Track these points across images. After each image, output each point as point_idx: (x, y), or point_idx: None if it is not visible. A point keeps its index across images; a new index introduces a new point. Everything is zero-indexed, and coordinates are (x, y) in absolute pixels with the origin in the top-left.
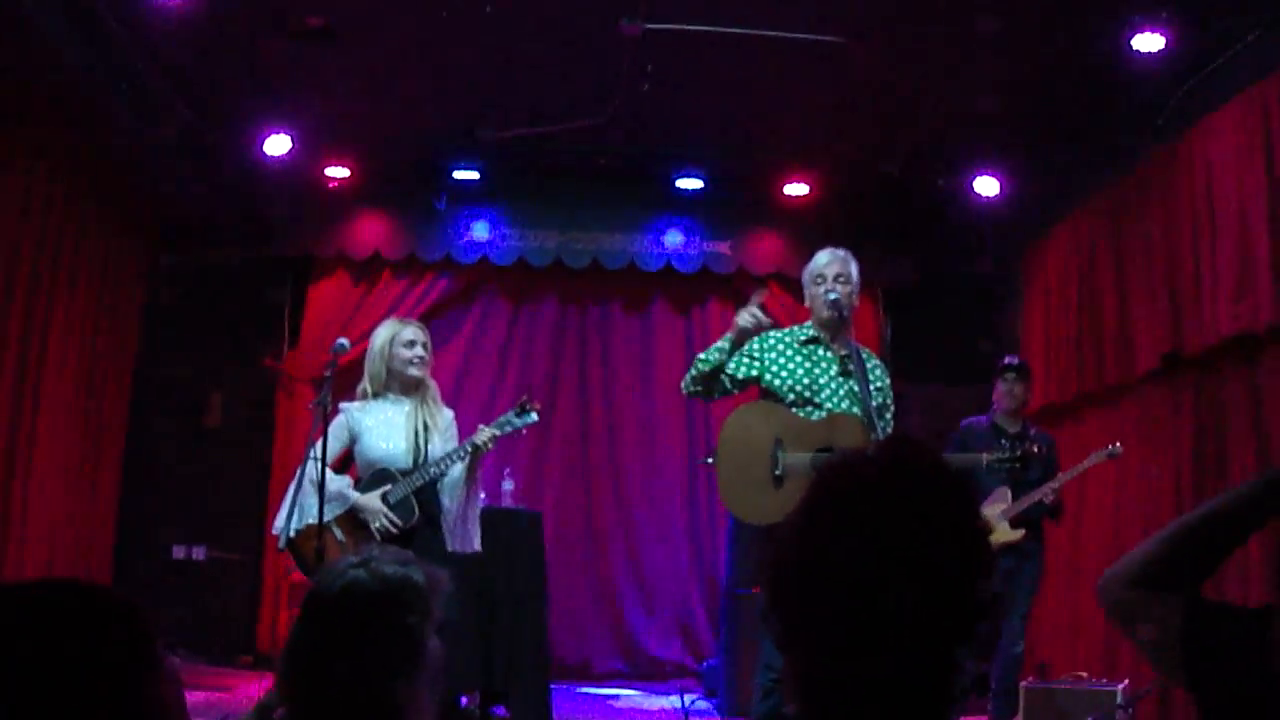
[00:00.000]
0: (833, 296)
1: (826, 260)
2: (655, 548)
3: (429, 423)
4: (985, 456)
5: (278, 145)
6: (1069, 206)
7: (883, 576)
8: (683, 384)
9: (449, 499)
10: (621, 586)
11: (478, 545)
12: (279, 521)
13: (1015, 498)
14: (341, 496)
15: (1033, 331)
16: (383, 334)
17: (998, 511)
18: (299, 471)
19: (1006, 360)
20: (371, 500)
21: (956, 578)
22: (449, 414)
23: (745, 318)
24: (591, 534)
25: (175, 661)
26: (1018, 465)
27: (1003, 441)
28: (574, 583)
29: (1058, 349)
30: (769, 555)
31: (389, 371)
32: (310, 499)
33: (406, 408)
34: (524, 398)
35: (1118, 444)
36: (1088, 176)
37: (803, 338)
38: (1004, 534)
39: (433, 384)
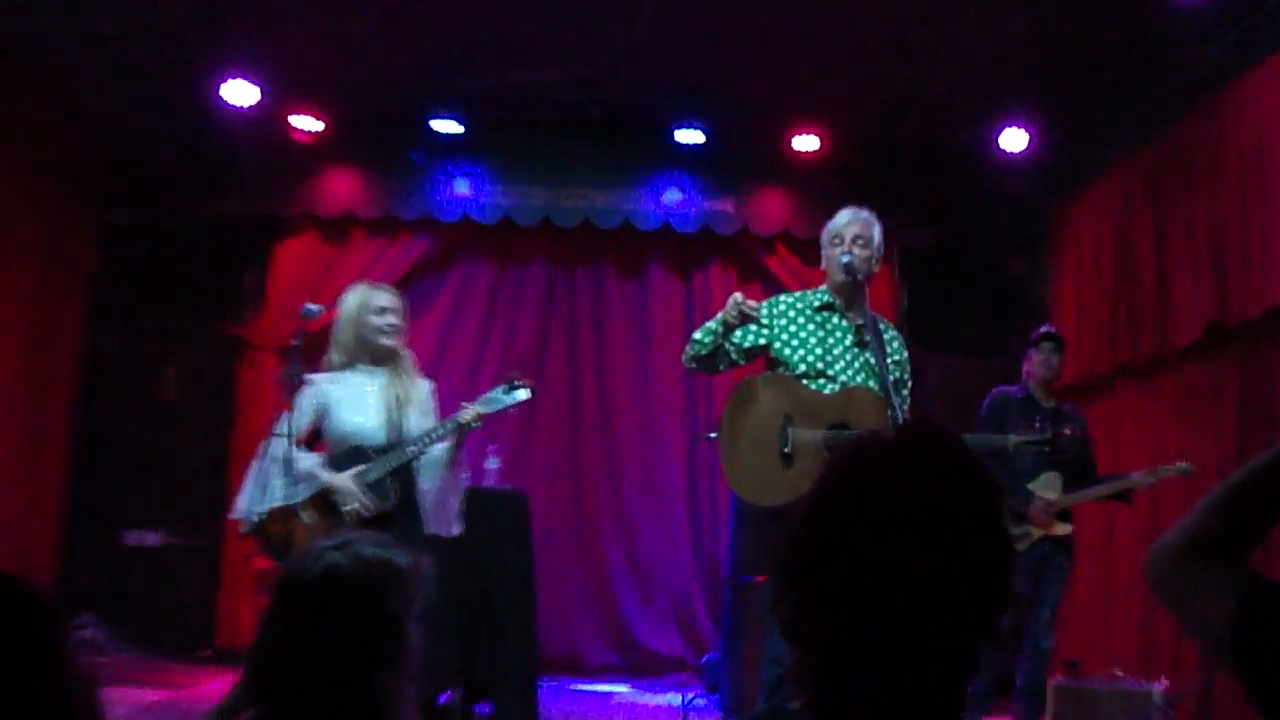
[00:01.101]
0: (845, 259)
1: (846, 220)
2: (652, 531)
3: (403, 396)
4: (1013, 438)
5: (240, 93)
6: (1104, 163)
7: (900, 566)
8: (683, 358)
9: (428, 480)
10: (615, 574)
11: (458, 529)
12: (240, 503)
13: (1066, 482)
14: (312, 477)
15: (1062, 299)
16: (352, 300)
17: (1053, 495)
18: (263, 448)
19: (1042, 329)
20: (345, 481)
21: (978, 569)
22: (427, 386)
23: (731, 311)
24: (582, 516)
25: (92, 658)
26: (1047, 449)
27: (1037, 419)
28: (564, 569)
29: (1089, 318)
30: (780, 539)
31: (359, 340)
32: (277, 479)
33: (380, 380)
34: (513, 373)
35: (1188, 464)
36: (1125, 130)
37: (816, 303)
38: (1056, 526)
39: (408, 354)
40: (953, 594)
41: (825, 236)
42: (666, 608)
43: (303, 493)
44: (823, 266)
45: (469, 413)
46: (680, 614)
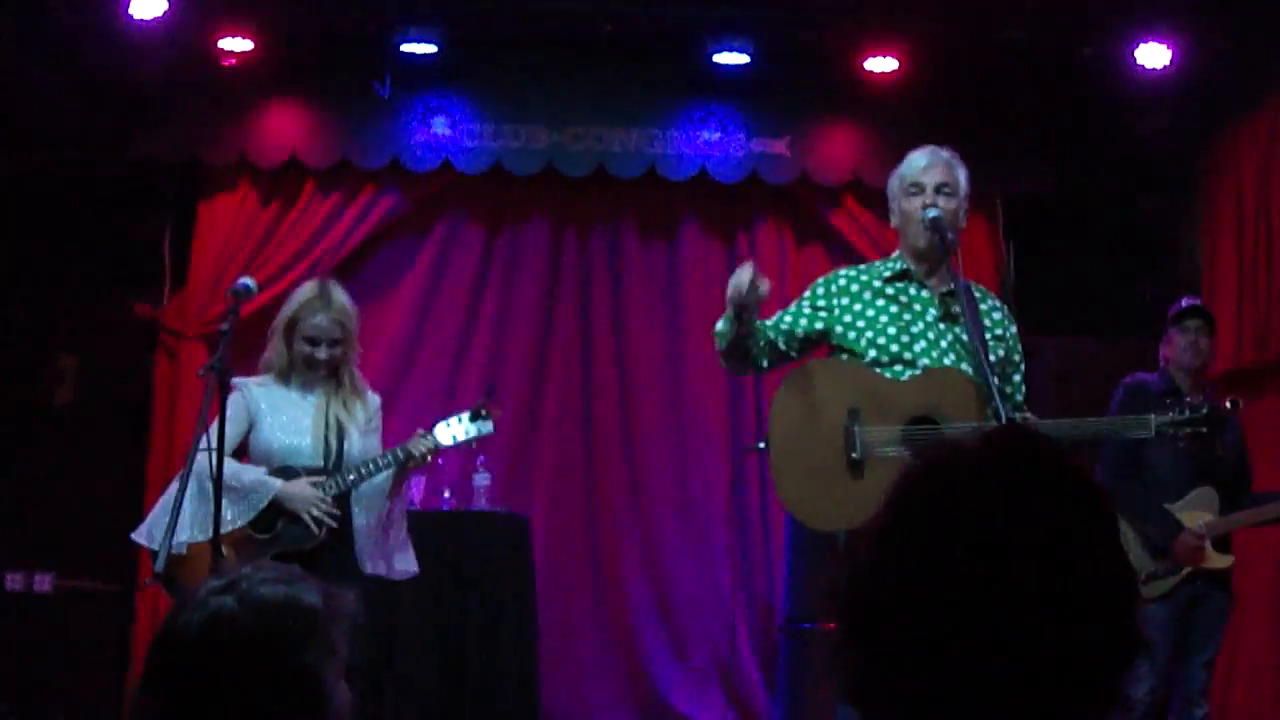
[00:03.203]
0: (933, 214)
1: (926, 163)
2: (686, 565)
3: (344, 416)
4: (1154, 418)
5: (150, 5)
6: (1273, 84)
7: (990, 613)
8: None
9: (363, 513)
10: (640, 617)
11: (411, 567)
12: (148, 535)
13: (1224, 500)
14: (262, 485)
15: (1218, 265)
16: (289, 307)
17: (1200, 523)
18: (188, 462)
19: (1186, 303)
20: (301, 487)
21: (1091, 616)
22: (374, 402)
23: (731, 292)
24: (598, 546)
25: None
26: (1204, 431)
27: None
28: (572, 610)
29: (1254, 287)
30: (844, 576)
31: (291, 359)
32: (205, 502)
33: (318, 395)
34: (481, 400)
35: None
36: None
37: (886, 274)
38: (1212, 558)
39: (352, 366)
40: (1061, 649)
41: (896, 185)
42: (705, 661)
43: (253, 508)
44: (893, 224)
45: (422, 443)
46: (723, 669)
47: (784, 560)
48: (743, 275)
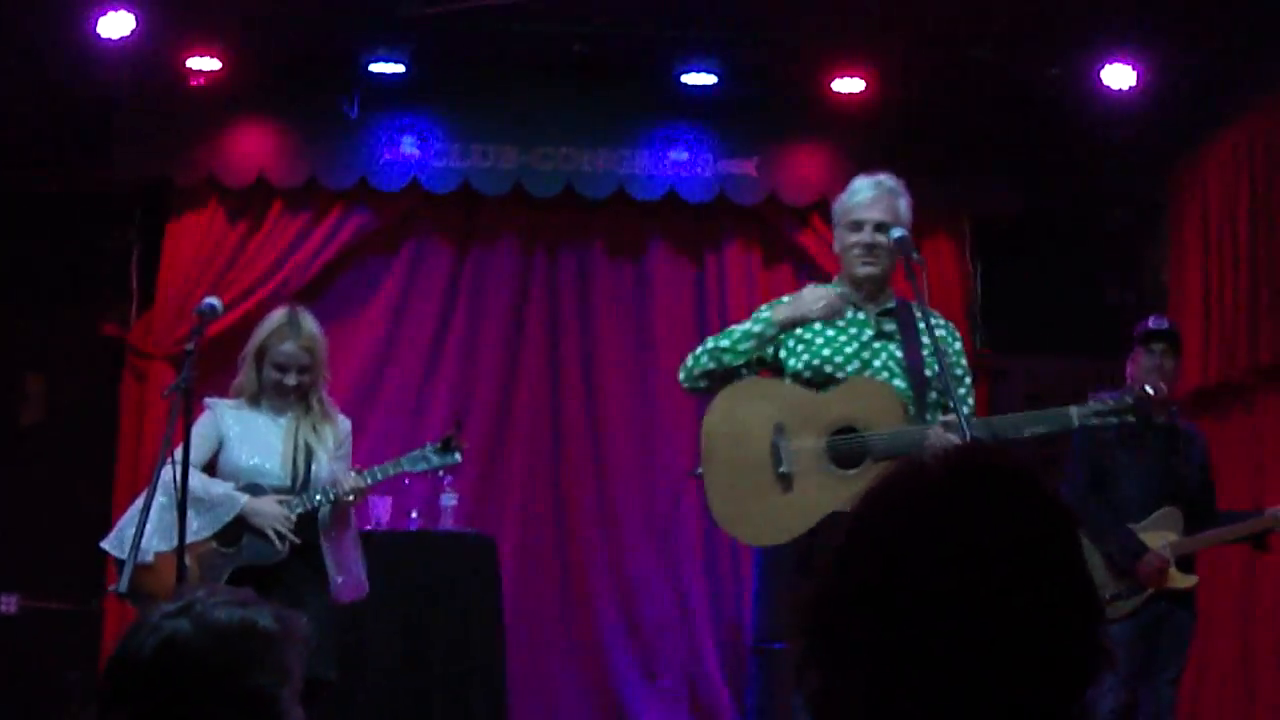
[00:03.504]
0: (899, 234)
1: (869, 198)
2: (655, 584)
3: (312, 440)
4: (1074, 409)
5: (117, 24)
6: (1238, 106)
7: (951, 628)
8: (682, 375)
9: (323, 537)
10: (610, 639)
11: (360, 590)
12: (117, 544)
13: (1189, 519)
14: (229, 501)
15: (1185, 284)
16: (260, 333)
17: (1164, 543)
18: (154, 479)
19: (1152, 324)
20: (267, 503)
21: (1052, 631)
22: (344, 427)
23: (819, 304)
24: (567, 567)
25: None
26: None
27: (1149, 437)
28: (541, 631)
29: (1220, 308)
30: (805, 593)
31: (261, 385)
32: (173, 512)
33: (286, 419)
34: (449, 432)
35: None
36: (1266, 63)
37: None
38: (1175, 578)
39: (320, 394)
40: (1024, 664)
41: (839, 212)
42: (675, 683)
43: (216, 522)
44: (835, 249)
45: (348, 482)
46: (692, 690)
47: (753, 580)
48: (837, 303)
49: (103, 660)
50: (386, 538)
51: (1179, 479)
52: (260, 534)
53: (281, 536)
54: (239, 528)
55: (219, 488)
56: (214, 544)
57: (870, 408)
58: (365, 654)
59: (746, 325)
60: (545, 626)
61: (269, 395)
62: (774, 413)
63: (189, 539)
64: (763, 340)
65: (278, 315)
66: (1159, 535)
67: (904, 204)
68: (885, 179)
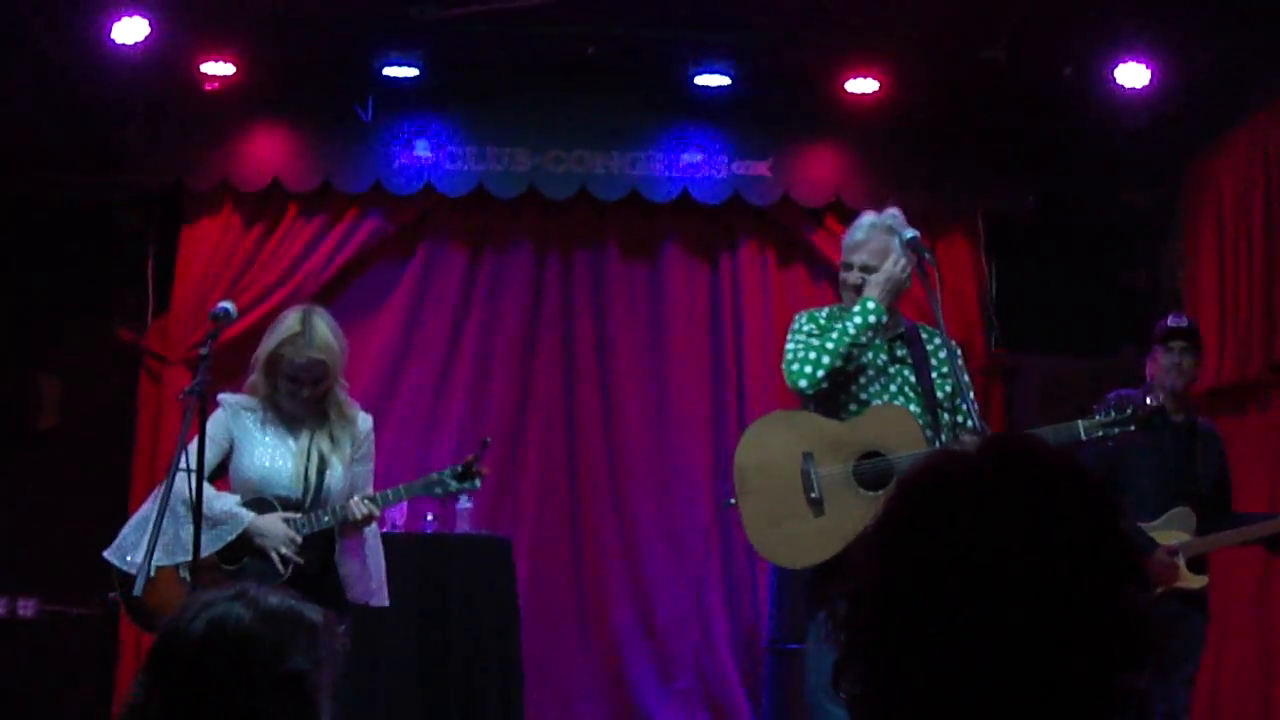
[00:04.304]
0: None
1: (860, 239)
2: (670, 585)
3: (327, 448)
4: (1081, 423)
5: (131, 30)
6: (1253, 104)
7: (995, 621)
8: (804, 376)
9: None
10: (626, 641)
11: (385, 598)
12: (120, 554)
13: (1202, 520)
14: (233, 517)
15: (1200, 283)
16: (269, 342)
17: (1176, 544)
18: (166, 487)
19: (1171, 322)
20: (273, 523)
21: (1100, 616)
22: (365, 425)
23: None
24: (582, 569)
25: None
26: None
27: (1167, 437)
28: (559, 635)
29: (1236, 305)
30: (842, 591)
31: (273, 393)
32: (185, 527)
33: (300, 428)
34: (472, 456)
35: None
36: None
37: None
38: (1185, 579)
39: (338, 393)
40: (1066, 650)
41: (844, 244)
42: (692, 685)
43: (218, 540)
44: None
45: (361, 508)
46: (708, 691)
47: (768, 581)
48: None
49: (119, 664)
50: (402, 540)
51: (1194, 479)
52: (263, 554)
53: (285, 560)
54: (241, 546)
55: (221, 503)
56: (215, 560)
57: (891, 432)
58: (381, 655)
59: (855, 315)
60: (561, 628)
61: (284, 401)
62: (801, 442)
63: (188, 557)
64: (867, 326)
65: (291, 319)
66: (1171, 535)
67: (897, 242)
68: (885, 217)
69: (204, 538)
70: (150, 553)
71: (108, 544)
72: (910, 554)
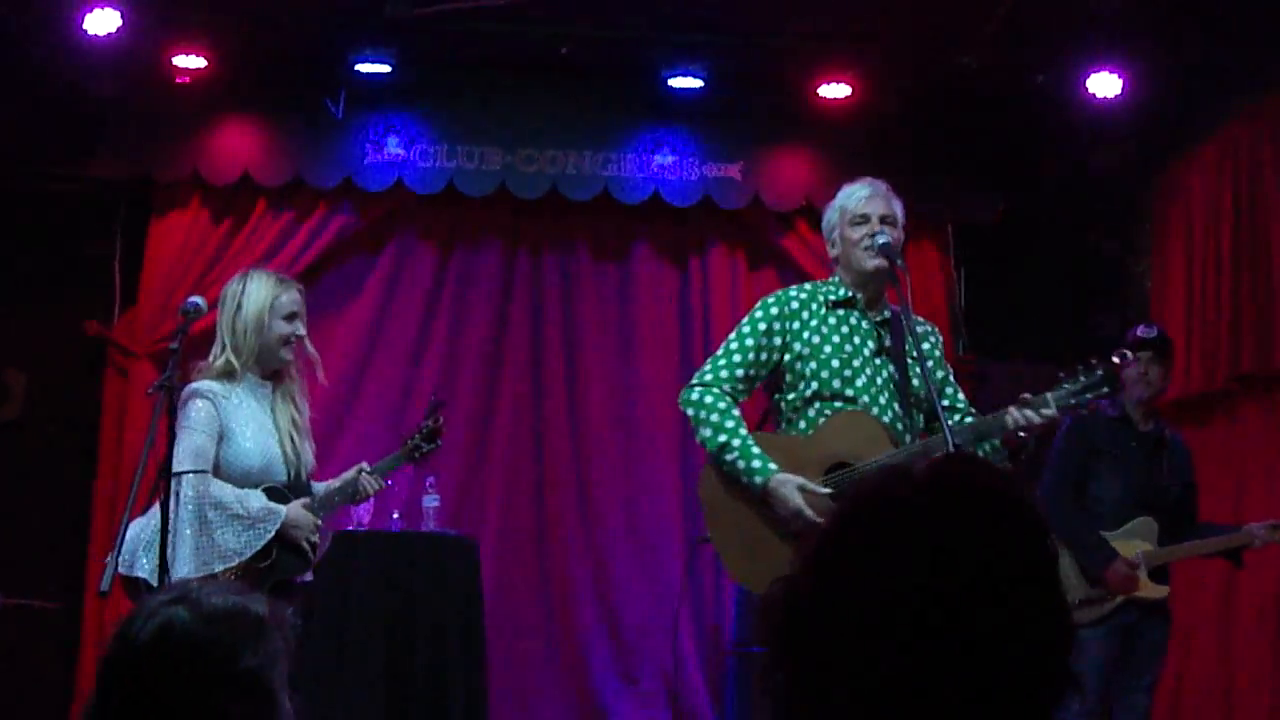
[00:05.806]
0: (883, 239)
1: (867, 194)
2: (635, 587)
3: (298, 420)
4: (1050, 395)
5: (102, 21)
6: (1222, 114)
7: (917, 637)
8: (682, 400)
9: None
10: (590, 641)
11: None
12: (132, 562)
13: (1166, 529)
14: (269, 515)
15: (1168, 293)
16: (258, 294)
17: (1138, 553)
18: (174, 493)
19: (1140, 332)
20: (300, 513)
21: (1019, 643)
22: (306, 409)
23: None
24: (548, 569)
25: None
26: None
27: (1133, 446)
28: (524, 635)
29: (1203, 316)
30: (774, 597)
31: (261, 348)
32: (219, 532)
33: (269, 399)
34: (432, 416)
35: None
36: (1250, 73)
37: (831, 298)
38: (1146, 588)
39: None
40: (991, 679)
41: (836, 217)
42: (655, 685)
43: (258, 539)
44: (832, 254)
45: (373, 483)
46: (671, 692)
47: (733, 583)
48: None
49: (82, 658)
50: (369, 538)
51: (1159, 489)
52: (293, 546)
53: (314, 547)
54: (273, 541)
55: (257, 500)
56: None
57: (855, 439)
58: (345, 653)
59: (749, 455)
60: (526, 628)
61: (261, 363)
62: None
63: (231, 561)
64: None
65: (259, 276)
66: (1132, 545)
67: (899, 206)
68: (879, 181)
69: (244, 537)
70: (163, 563)
71: (71, 537)
72: (840, 565)
